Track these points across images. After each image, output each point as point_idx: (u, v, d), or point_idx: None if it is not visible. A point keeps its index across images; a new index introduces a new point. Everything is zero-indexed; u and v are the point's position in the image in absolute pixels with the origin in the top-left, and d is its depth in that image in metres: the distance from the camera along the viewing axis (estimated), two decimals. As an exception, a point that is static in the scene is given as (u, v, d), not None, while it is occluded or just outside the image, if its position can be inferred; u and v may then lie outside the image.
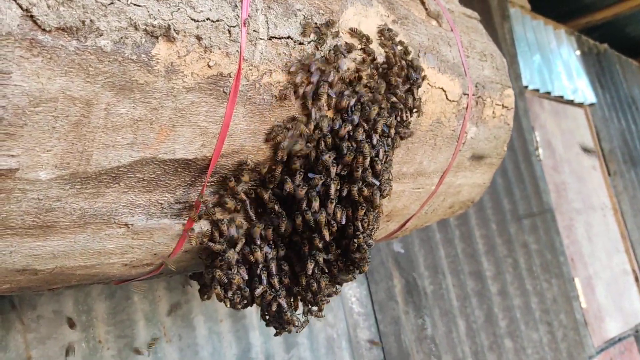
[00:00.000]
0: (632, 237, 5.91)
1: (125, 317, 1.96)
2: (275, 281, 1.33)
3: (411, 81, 1.46)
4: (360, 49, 1.38)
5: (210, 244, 1.24)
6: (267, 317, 1.41)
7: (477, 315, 3.57)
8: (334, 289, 1.46)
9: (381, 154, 1.37)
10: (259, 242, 1.29)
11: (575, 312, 4.52)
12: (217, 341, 2.20)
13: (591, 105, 6.18)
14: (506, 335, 3.73)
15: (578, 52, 6.37)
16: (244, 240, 1.28)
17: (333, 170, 1.30)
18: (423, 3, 1.75)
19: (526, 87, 5.09)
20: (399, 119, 1.45)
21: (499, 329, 3.68)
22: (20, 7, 0.83)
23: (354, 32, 1.37)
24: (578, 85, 6.00)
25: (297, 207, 1.31)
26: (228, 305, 1.31)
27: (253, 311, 2.34)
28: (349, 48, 1.33)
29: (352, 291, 2.88)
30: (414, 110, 1.52)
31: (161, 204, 1.15)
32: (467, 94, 1.77)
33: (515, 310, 3.90)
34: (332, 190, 1.31)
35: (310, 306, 1.45)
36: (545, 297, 4.24)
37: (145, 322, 2.00)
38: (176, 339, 2.07)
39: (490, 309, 3.67)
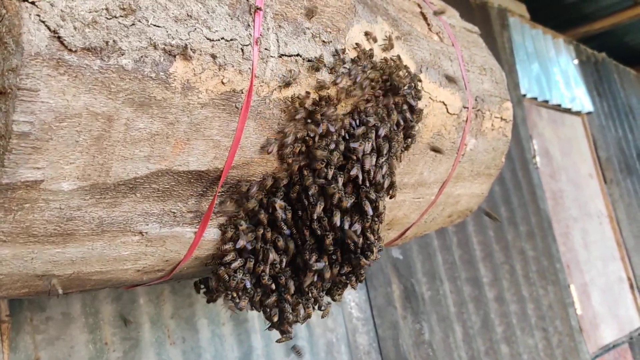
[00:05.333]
0: (628, 245, 5.97)
1: (131, 319, 2.00)
2: (289, 283, 1.40)
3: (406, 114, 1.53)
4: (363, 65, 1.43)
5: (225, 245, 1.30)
6: (270, 316, 1.47)
7: (473, 321, 3.62)
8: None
9: (384, 168, 1.43)
10: (268, 245, 1.36)
11: (571, 318, 4.57)
12: (220, 344, 2.25)
13: (588, 113, 6.24)
14: (502, 340, 3.78)
15: (576, 61, 6.43)
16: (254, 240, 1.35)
17: (340, 180, 1.37)
18: (425, 19, 1.81)
19: (524, 95, 5.14)
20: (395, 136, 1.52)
21: (496, 334, 3.73)
22: (49, 28, 0.89)
23: (358, 48, 1.43)
24: (576, 93, 6.06)
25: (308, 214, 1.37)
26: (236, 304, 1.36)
27: (255, 315, 2.39)
28: (354, 62, 1.39)
29: (352, 296, 2.93)
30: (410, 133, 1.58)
31: (174, 212, 1.20)
32: (467, 107, 1.82)
33: (512, 316, 3.95)
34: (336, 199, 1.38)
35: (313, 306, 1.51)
36: (541, 304, 4.30)
37: (150, 325, 2.05)
38: (180, 342, 2.12)
39: (486, 314, 3.72)
